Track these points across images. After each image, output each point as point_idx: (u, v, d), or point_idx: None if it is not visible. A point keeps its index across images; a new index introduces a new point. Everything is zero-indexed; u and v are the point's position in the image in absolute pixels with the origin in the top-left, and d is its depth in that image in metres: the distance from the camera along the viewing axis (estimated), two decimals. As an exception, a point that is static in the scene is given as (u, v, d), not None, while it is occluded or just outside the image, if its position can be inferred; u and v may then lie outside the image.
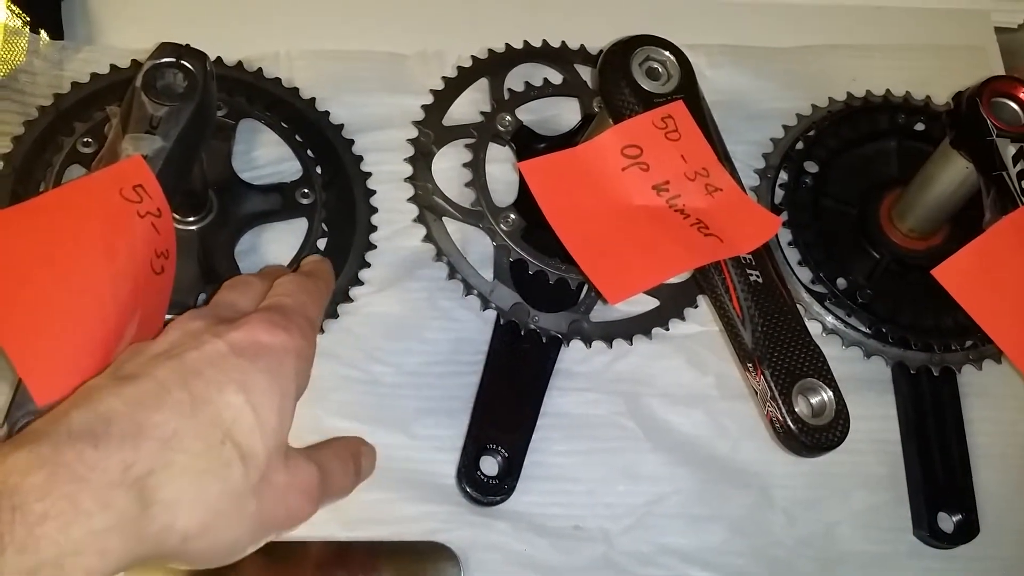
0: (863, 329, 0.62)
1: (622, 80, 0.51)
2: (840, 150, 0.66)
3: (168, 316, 0.45)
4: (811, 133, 0.67)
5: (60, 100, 0.60)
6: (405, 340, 0.59)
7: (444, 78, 0.65)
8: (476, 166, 0.62)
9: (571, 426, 0.59)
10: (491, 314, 0.59)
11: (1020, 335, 0.51)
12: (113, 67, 0.61)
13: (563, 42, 0.68)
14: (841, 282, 0.63)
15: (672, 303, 0.61)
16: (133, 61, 0.61)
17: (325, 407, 0.56)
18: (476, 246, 0.61)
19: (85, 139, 0.58)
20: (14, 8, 0.63)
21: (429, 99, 0.64)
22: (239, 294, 0.43)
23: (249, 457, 0.35)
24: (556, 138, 0.64)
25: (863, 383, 0.62)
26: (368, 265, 0.60)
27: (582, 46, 0.68)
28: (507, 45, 0.67)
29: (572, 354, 0.60)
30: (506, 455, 0.56)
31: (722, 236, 0.49)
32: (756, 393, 0.47)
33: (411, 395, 0.58)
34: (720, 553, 0.57)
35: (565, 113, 0.66)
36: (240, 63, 0.64)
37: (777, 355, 0.46)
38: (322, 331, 0.57)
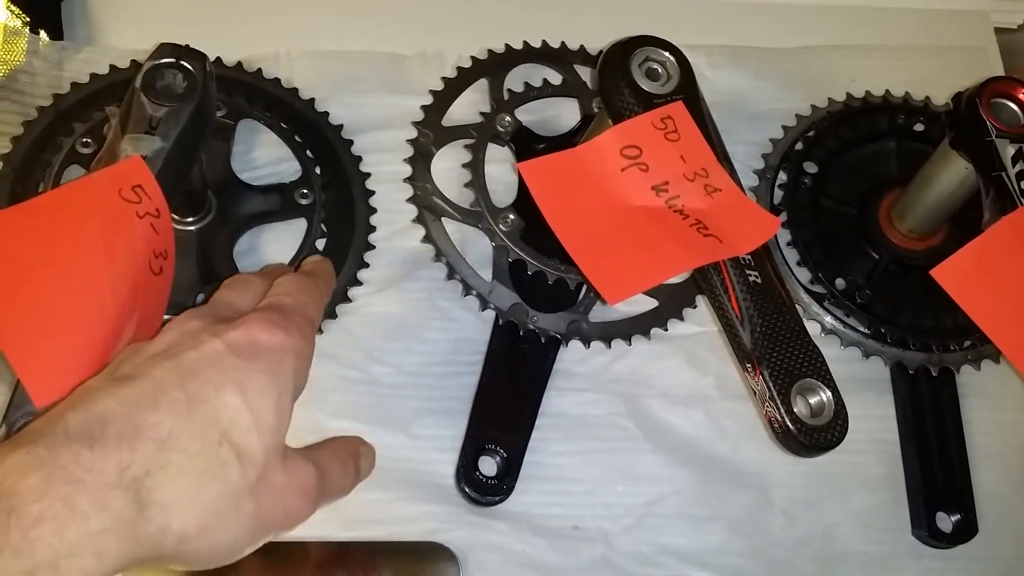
0: (862, 329, 0.62)
1: (622, 81, 0.51)
2: (839, 151, 0.66)
3: (167, 317, 0.44)
4: (810, 134, 0.67)
5: (59, 100, 0.60)
6: (404, 340, 0.59)
7: (444, 78, 0.65)
8: (475, 167, 0.62)
9: (570, 426, 0.59)
10: (490, 314, 0.59)
11: (1019, 335, 0.51)
12: (112, 67, 0.61)
13: (563, 43, 0.68)
14: (840, 282, 0.63)
15: (671, 303, 0.61)
16: (132, 62, 0.61)
17: (324, 407, 0.56)
18: (475, 246, 0.61)
19: (84, 139, 0.58)
20: (14, 8, 0.63)
21: (428, 99, 0.64)
22: (238, 293, 0.42)
23: (246, 457, 0.35)
24: (555, 139, 0.64)
25: (862, 383, 0.62)
26: (367, 265, 0.60)
27: (582, 47, 0.68)
28: (507, 46, 0.67)
29: (571, 354, 0.60)
30: (505, 455, 0.56)
31: (721, 236, 0.49)
32: (755, 393, 0.47)
33: (410, 395, 0.58)
34: (719, 553, 0.57)
35: (564, 114, 0.66)
36: (240, 63, 0.64)
37: (776, 355, 0.46)
38: (321, 331, 0.57)
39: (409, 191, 0.61)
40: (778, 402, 0.45)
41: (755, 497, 0.59)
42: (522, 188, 0.61)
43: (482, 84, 0.66)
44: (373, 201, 0.62)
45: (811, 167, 0.66)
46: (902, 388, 0.62)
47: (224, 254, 0.58)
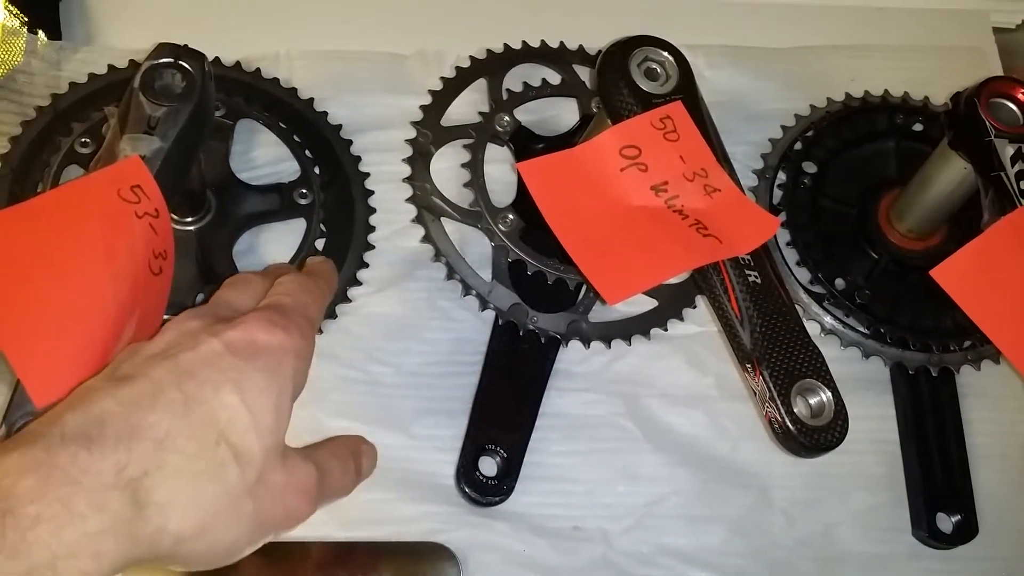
0: (861, 330, 0.62)
1: (621, 80, 0.51)
2: (838, 151, 0.67)
3: (166, 316, 0.44)
4: (809, 134, 0.67)
5: (58, 100, 0.60)
6: (404, 340, 0.59)
7: (443, 78, 0.65)
8: (474, 166, 0.62)
9: (570, 426, 0.59)
10: (490, 314, 0.59)
11: (1018, 336, 0.51)
12: (111, 67, 0.61)
13: (561, 42, 0.68)
14: (839, 282, 0.63)
15: (670, 304, 0.61)
16: (131, 61, 0.61)
17: (324, 408, 0.56)
18: (475, 246, 0.61)
19: (83, 139, 0.58)
20: (12, 8, 0.63)
21: (427, 99, 0.64)
22: (238, 292, 0.42)
23: (245, 457, 0.35)
24: (554, 138, 0.64)
25: (862, 383, 0.62)
26: (367, 265, 0.60)
27: (581, 46, 0.68)
28: (505, 45, 0.67)
29: (571, 354, 0.60)
30: (505, 455, 0.56)
31: (721, 237, 0.49)
32: (755, 394, 0.47)
33: (410, 395, 0.58)
34: (719, 554, 0.57)
35: (564, 113, 0.66)
36: (238, 63, 0.64)
37: (776, 356, 0.46)
38: (321, 331, 0.57)
39: (408, 191, 0.61)
40: (778, 402, 0.45)
41: (755, 497, 0.59)
42: (521, 188, 0.61)
43: (481, 84, 0.66)
44: (372, 201, 0.62)
45: (810, 167, 0.66)
46: (902, 388, 0.62)
47: (223, 254, 0.58)
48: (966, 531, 0.58)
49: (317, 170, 0.61)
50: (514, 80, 0.66)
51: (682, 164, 0.50)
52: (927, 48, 0.74)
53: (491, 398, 0.57)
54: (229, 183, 0.60)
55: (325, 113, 0.64)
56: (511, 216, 0.60)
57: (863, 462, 0.60)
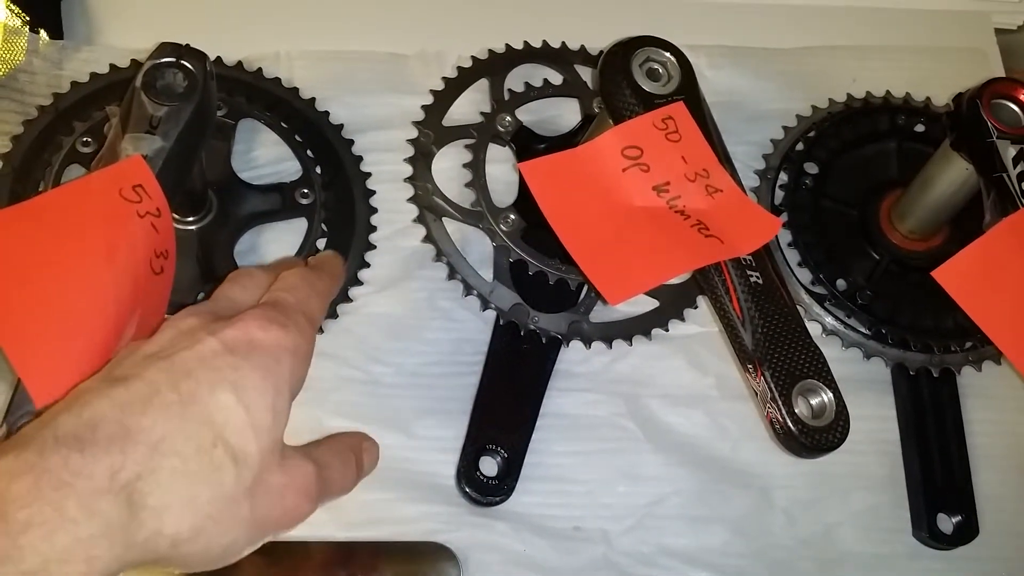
0: (863, 330, 0.62)
1: (623, 81, 0.51)
2: (840, 151, 0.66)
3: (167, 317, 0.44)
4: (811, 134, 0.67)
5: (59, 100, 0.60)
6: (405, 340, 0.59)
7: (444, 78, 0.65)
8: (476, 166, 0.62)
9: (571, 427, 0.59)
10: (491, 314, 0.59)
11: (1020, 336, 0.51)
12: (113, 67, 0.61)
13: (563, 43, 0.68)
14: (841, 283, 0.63)
15: (672, 304, 0.61)
16: (133, 61, 0.61)
17: (324, 408, 0.56)
18: (476, 246, 0.61)
19: (84, 139, 0.58)
20: (13, 7, 0.63)
21: (429, 99, 0.64)
22: (240, 288, 0.42)
23: (242, 458, 0.34)
24: (556, 139, 0.64)
25: (863, 384, 0.62)
26: (368, 265, 0.60)
27: (582, 47, 0.68)
28: (507, 45, 0.67)
29: (572, 355, 0.60)
30: (505, 456, 0.56)
31: (722, 237, 0.49)
32: (756, 394, 0.47)
33: (411, 395, 0.58)
34: (720, 554, 0.57)
35: (565, 114, 0.66)
36: (240, 63, 0.64)
37: (777, 356, 0.46)
38: (322, 331, 0.57)
39: (410, 191, 0.61)
40: (779, 403, 0.45)
41: (756, 497, 0.59)
42: (523, 188, 0.61)
43: (483, 84, 0.66)
44: (374, 201, 0.62)
45: (812, 168, 0.66)
46: (903, 389, 0.62)
47: (225, 254, 0.58)
48: (967, 532, 0.58)
49: (318, 170, 0.61)
50: (516, 80, 0.66)
51: (684, 164, 0.50)
52: (929, 49, 0.74)
53: (492, 398, 0.57)
54: (230, 183, 0.60)
55: (327, 113, 0.64)
56: (512, 216, 0.60)
57: (864, 462, 0.60)
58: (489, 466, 0.56)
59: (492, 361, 0.58)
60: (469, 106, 0.65)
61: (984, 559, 0.59)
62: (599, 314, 0.60)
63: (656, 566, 0.56)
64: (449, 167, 0.63)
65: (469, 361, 0.59)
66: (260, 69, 0.64)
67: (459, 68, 0.66)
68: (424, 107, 0.64)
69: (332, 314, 0.58)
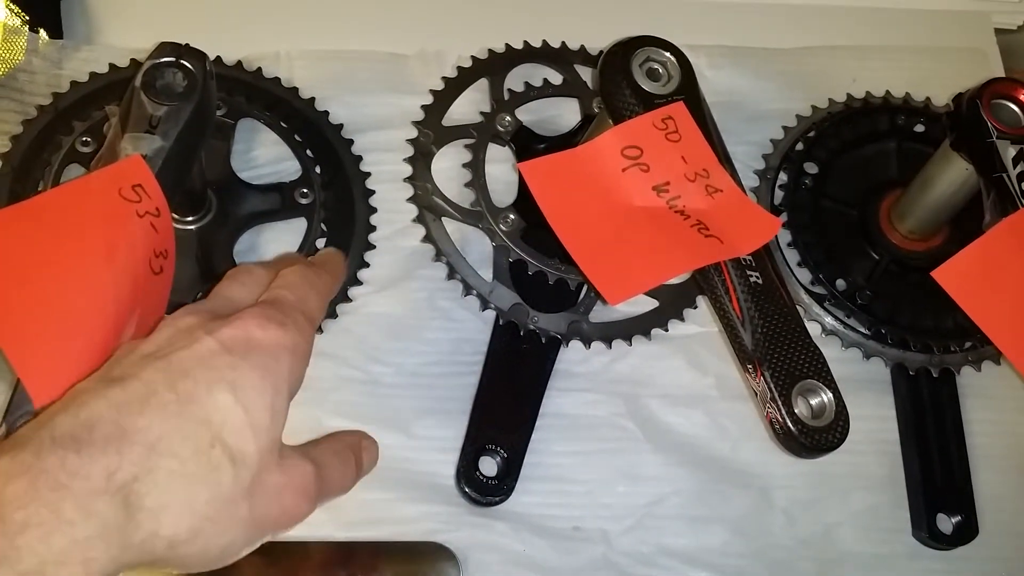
0: (862, 330, 0.62)
1: (622, 81, 0.51)
2: (840, 151, 0.66)
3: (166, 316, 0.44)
4: (811, 134, 0.67)
5: (59, 99, 0.60)
6: (404, 340, 0.59)
7: (444, 78, 0.65)
8: (476, 166, 0.62)
9: (570, 427, 0.59)
10: (490, 314, 0.59)
11: (1019, 337, 0.51)
12: (112, 66, 0.61)
13: (563, 42, 0.68)
14: (840, 283, 0.63)
15: (671, 304, 0.61)
16: (132, 60, 0.61)
17: (324, 408, 0.56)
18: (475, 246, 0.61)
19: (84, 138, 0.58)
20: (13, 7, 0.63)
21: (429, 99, 0.64)
22: (239, 285, 0.41)
23: (240, 459, 0.34)
24: (556, 139, 0.64)
25: (862, 384, 0.61)
26: (367, 265, 0.60)
27: (582, 46, 0.68)
28: (507, 45, 0.67)
29: (571, 355, 0.60)
30: (505, 456, 0.56)
31: (722, 237, 0.49)
32: (756, 394, 0.47)
33: (410, 395, 0.58)
34: (720, 554, 0.57)
35: (565, 114, 0.66)
36: (239, 62, 0.64)
37: (777, 356, 0.46)
38: (321, 331, 0.57)
39: (409, 191, 0.61)
40: (779, 403, 0.45)
41: (755, 497, 0.59)
42: (522, 188, 0.61)
43: (482, 84, 0.65)
44: (373, 201, 0.62)
45: (812, 168, 0.66)
46: (902, 389, 0.62)
47: (224, 253, 0.58)
48: (966, 532, 0.58)
49: (318, 169, 0.61)
50: (516, 80, 0.66)
51: (684, 164, 0.50)
52: (928, 49, 0.74)
53: (491, 398, 0.57)
54: (230, 182, 0.60)
55: (326, 113, 0.63)
56: (512, 216, 0.60)
57: (864, 462, 0.60)
58: (489, 466, 0.56)
59: (492, 361, 0.58)
60: (469, 106, 0.65)
61: (984, 559, 0.59)
62: (599, 314, 0.60)
63: (656, 566, 0.56)
64: (449, 167, 0.63)
65: (469, 361, 0.59)
66: (260, 69, 0.64)
67: (459, 68, 0.66)
68: (424, 107, 0.64)
69: (331, 314, 0.58)
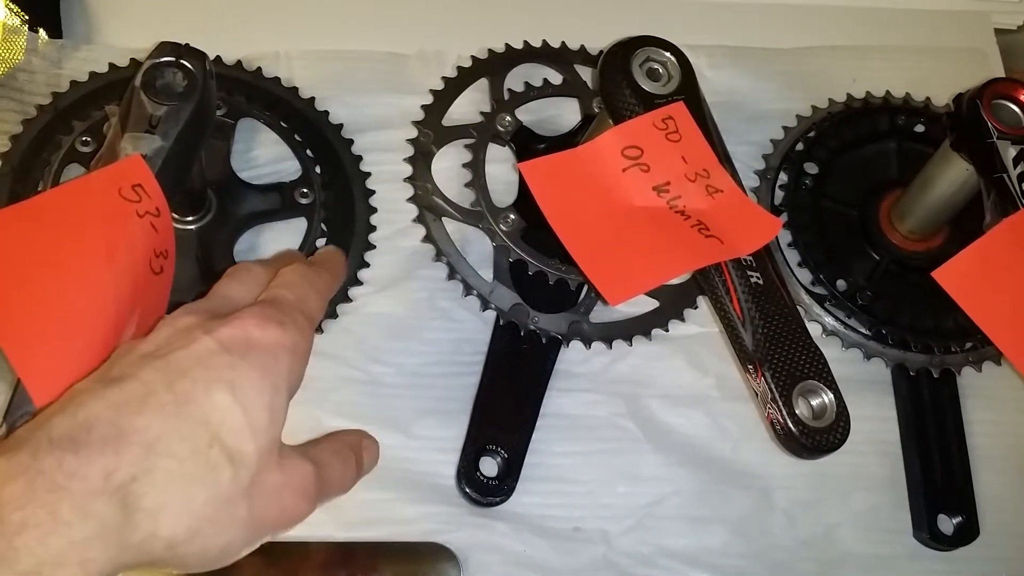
0: (863, 331, 0.62)
1: (623, 81, 0.51)
2: (840, 151, 0.66)
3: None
4: (811, 134, 0.67)
5: (59, 99, 0.60)
6: (405, 340, 0.59)
7: (444, 78, 0.65)
8: (476, 166, 0.61)
9: (571, 427, 0.59)
10: (491, 315, 0.59)
11: (1020, 337, 0.51)
12: (112, 66, 0.61)
13: (563, 42, 0.68)
14: (841, 284, 0.63)
15: (672, 304, 0.61)
16: (132, 60, 0.61)
17: (324, 408, 0.56)
18: (476, 246, 0.61)
19: (84, 138, 0.58)
20: (13, 6, 0.63)
21: (429, 99, 0.64)
22: (238, 284, 0.41)
23: (238, 459, 0.34)
24: (556, 139, 0.64)
25: (863, 385, 0.61)
26: (367, 265, 0.60)
27: (582, 46, 0.68)
28: (507, 45, 0.67)
29: (572, 355, 0.60)
30: (506, 456, 0.56)
31: (723, 237, 0.49)
32: (756, 395, 0.47)
33: (411, 395, 0.58)
34: (720, 554, 0.57)
35: (565, 114, 0.66)
36: (239, 62, 0.64)
37: (777, 357, 0.46)
38: (321, 331, 0.57)
39: (409, 191, 0.61)
40: (780, 404, 0.45)
41: (756, 498, 0.59)
42: (523, 188, 0.61)
43: (482, 84, 0.65)
44: (373, 200, 0.62)
45: (812, 168, 0.66)
46: (903, 389, 0.62)
47: (224, 253, 0.58)
48: (967, 532, 0.58)
49: (318, 169, 0.61)
50: (516, 80, 0.66)
51: (684, 165, 0.50)
52: (929, 49, 0.74)
53: (492, 398, 0.57)
54: (230, 182, 0.60)
55: (326, 112, 0.63)
56: (512, 216, 0.60)
57: (864, 463, 0.60)
58: (489, 466, 0.56)
59: (492, 361, 0.58)
60: (469, 106, 0.65)
61: (985, 560, 0.59)
62: (599, 314, 0.60)
63: (656, 567, 0.56)
64: (449, 167, 0.62)
65: (469, 361, 0.59)
66: (259, 68, 0.64)
67: (459, 68, 0.66)
68: (424, 107, 0.64)
69: (332, 314, 0.58)
